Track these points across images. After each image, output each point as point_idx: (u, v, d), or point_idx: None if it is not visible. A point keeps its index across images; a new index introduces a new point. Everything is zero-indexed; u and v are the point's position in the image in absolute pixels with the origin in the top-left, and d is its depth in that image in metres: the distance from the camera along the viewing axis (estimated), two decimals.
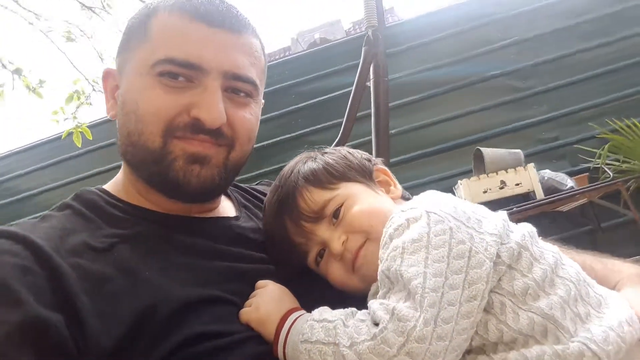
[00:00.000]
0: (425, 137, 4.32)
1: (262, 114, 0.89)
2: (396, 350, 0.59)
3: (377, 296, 0.69)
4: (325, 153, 0.90)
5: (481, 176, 3.37)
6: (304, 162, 0.88)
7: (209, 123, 0.74)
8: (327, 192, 0.82)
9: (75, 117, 3.37)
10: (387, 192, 0.88)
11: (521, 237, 0.69)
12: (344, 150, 0.92)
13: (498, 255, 0.66)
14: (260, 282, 0.76)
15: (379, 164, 0.93)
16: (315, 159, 0.88)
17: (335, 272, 0.80)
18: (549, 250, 0.70)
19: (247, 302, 0.73)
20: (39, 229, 0.71)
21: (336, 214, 0.80)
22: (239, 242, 0.83)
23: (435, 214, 0.68)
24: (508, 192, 3.27)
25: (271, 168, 4.00)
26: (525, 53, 4.26)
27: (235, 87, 0.78)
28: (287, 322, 0.70)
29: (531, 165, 3.31)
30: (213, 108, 0.74)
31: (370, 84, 2.10)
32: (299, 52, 6.38)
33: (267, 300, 0.73)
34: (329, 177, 0.84)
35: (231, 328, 0.69)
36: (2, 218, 5.15)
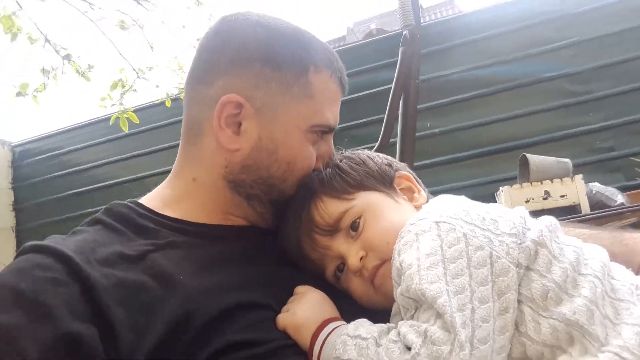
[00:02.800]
0: (471, 138, 4.17)
1: None
2: None
3: (405, 318, 0.63)
4: (344, 158, 0.84)
5: (524, 184, 3.22)
6: (319, 170, 0.83)
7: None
8: (343, 203, 0.76)
9: (121, 104, 3.51)
10: (411, 199, 0.81)
11: (538, 234, 0.62)
12: (364, 154, 0.85)
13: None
14: (300, 288, 0.73)
15: (401, 169, 0.86)
16: (331, 165, 0.82)
17: (357, 289, 0.75)
18: (570, 245, 0.63)
19: (284, 308, 0.70)
20: (70, 242, 0.70)
21: (354, 226, 0.75)
22: (277, 248, 0.82)
23: (444, 222, 0.63)
24: (552, 203, 3.12)
25: None
26: (585, 55, 4.01)
27: None
28: (323, 332, 0.65)
29: (579, 177, 3.13)
30: (328, 160, 0.87)
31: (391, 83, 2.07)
32: (352, 43, 6.31)
33: (305, 307, 0.68)
34: (345, 186, 0.78)
35: (267, 336, 0.66)
36: (61, 188, 5.51)
